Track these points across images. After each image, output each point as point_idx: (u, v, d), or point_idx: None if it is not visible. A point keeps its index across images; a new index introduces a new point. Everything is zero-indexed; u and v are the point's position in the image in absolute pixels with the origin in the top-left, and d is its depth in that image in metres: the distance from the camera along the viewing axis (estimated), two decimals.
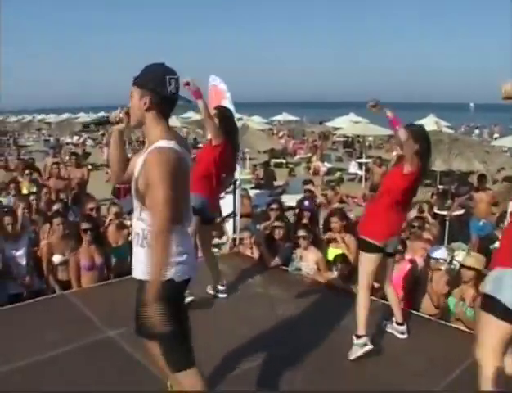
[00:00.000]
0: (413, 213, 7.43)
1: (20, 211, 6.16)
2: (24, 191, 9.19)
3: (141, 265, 2.72)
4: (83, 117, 45.14)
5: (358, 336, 4.01)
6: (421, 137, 4.00)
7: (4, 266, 5.52)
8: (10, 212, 5.97)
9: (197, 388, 2.81)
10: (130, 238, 6.69)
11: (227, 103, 6.99)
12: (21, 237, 5.83)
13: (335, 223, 6.11)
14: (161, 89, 2.63)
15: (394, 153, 4.66)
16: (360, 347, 3.98)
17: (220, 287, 5.31)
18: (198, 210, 4.78)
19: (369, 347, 3.99)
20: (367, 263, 4.07)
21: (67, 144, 31.33)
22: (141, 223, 2.72)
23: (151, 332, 2.71)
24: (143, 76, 2.68)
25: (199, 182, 4.51)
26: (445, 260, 5.45)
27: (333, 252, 5.99)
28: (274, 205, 7.19)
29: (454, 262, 5.97)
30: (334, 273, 5.70)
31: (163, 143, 2.61)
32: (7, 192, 8.80)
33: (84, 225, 5.72)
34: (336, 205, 9.51)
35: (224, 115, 4.99)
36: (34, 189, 9.14)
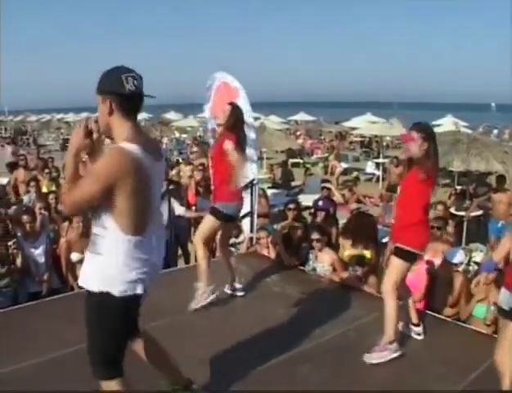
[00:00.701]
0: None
1: (38, 210, 6.22)
2: (44, 189, 9.27)
3: (85, 274, 2.72)
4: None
5: (391, 342, 4.01)
6: (430, 136, 4.05)
7: (23, 264, 5.58)
8: (28, 211, 6.04)
9: None
10: None
11: (242, 102, 6.99)
12: (40, 235, 5.89)
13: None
14: (119, 89, 2.55)
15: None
16: (392, 352, 3.99)
17: (237, 286, 5.34)
18: (233, 217, 5.07)
19: (398, 353, 4.00)
20: (404, 270, 4.07)
21: None
22: (95, 228, 2.68)
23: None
24: (101, 82, 2.63)
25: (235, 193, 4.85)
26: (462, 263, 5.40)
27: (350, 253, 5.97)
28: (292, 205, 7.18)
29: (471, 263, 5.92)
30: (350, 274, 5.67)
31: (123, 146, 2.54)
32: (27, 191, 8.89)
33: None
34: (353, 205, 9.48)
35: (235, 113, 5.02)
36: (54, 188, 9.23)
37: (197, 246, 5.03)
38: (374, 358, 3.96)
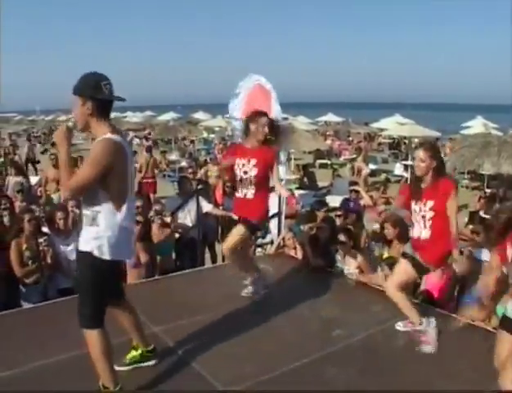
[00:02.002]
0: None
1: (70, 208, 6.31)
2: None
3: (84, 241, 3.24)
4: (130, 116, 45.86)
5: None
6: (436, 154, 4.19)
7: (54, 261, 5.67)
8: (62, 208, 6.14)
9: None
10: (173, 236, 6.81)
11: (274, 103, 6.98)
12: (72, 232, 5.98)
13: (388, 229, 6.01)
14: (99, 95, 3.09)
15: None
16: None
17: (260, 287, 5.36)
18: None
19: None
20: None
21: None
22: (92, 206, 3.18)
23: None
24: (81, 85, 3.13)
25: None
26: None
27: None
28: (320, 206, 7.15)
29: None
30: (379, 274, 5.63)
31: (109, 136, 3.10)
32: (57, 189, 9.02)
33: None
34: (382, 207, 9.39)
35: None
36: None
37: (229, 257, 5.05)
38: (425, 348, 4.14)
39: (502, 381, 3.14)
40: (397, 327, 4.54)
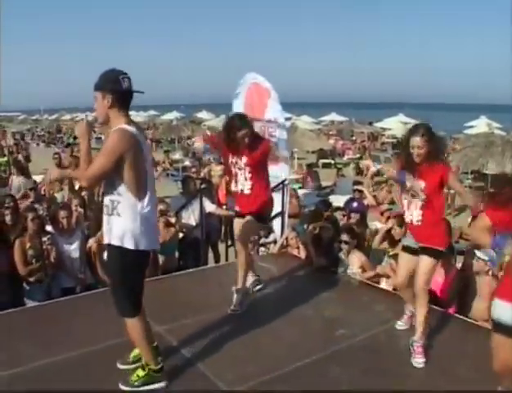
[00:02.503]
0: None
1: (74, 207, 6.32)
2: (77, 186, 9.39)
3: (108, 233, 3.33)
4: (134, 116, 45.86)
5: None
6: (433, 137, 4.07)
7: (57, 260, 5.67)
8: (65, 206, 6.14)
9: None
10: (177, 235, 6.81)
11: (272, 102, 6.99)
12: (75, 231, 5.98)
13: (395, 229, 5.99)
14: (118, 87, 3.22)
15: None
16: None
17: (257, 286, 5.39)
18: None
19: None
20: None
21: None
22: (112, 196, 3.29)
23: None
24: (101, 81, 3.27)
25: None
26: (490, 261, 5.31)
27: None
28: (324, 206, 7.15)
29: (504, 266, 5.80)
30: (385, 265, 5.64)
31: (125, 126, 3.21)
32: (61, 188, 9.02)
33: None
34: (386, 206, 9.37)
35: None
36: None
37: (243, 250, 5.01)
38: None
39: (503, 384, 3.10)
40: (398, 327, 4.54)
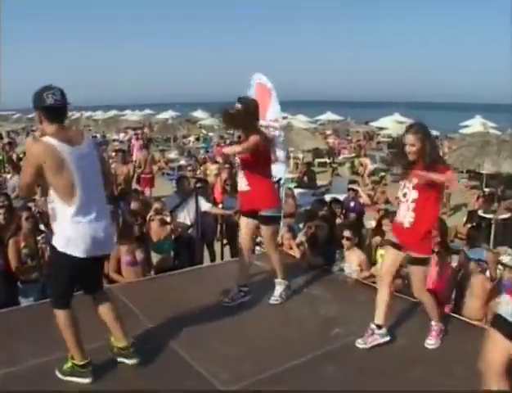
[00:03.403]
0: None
1: None
2: None
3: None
4: (129, 115, 45.85)
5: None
6: (427, 135, 4.01)
7: None
8: None
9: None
10: (173, 234, 6.80)
11: (273, 102, 6.99)
12: None
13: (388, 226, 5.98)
14: (42, 104, 3.40)
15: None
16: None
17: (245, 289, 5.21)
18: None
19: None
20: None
21: (113, 141, 31.78)
22: (50, 202, 3.52)
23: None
24: (32, 100, 3.47)
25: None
26: (484, 262, 5.33)
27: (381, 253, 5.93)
28: (321, 205, 7.15)
29: (499, 266, 5.84)
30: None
31: (41, 139, 3.38)
32: None
33: (130, 220, 5.83)
34: (382, 205, 9.40)
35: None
36: None
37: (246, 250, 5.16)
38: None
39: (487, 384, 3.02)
40: (358, 345, 4.21)
